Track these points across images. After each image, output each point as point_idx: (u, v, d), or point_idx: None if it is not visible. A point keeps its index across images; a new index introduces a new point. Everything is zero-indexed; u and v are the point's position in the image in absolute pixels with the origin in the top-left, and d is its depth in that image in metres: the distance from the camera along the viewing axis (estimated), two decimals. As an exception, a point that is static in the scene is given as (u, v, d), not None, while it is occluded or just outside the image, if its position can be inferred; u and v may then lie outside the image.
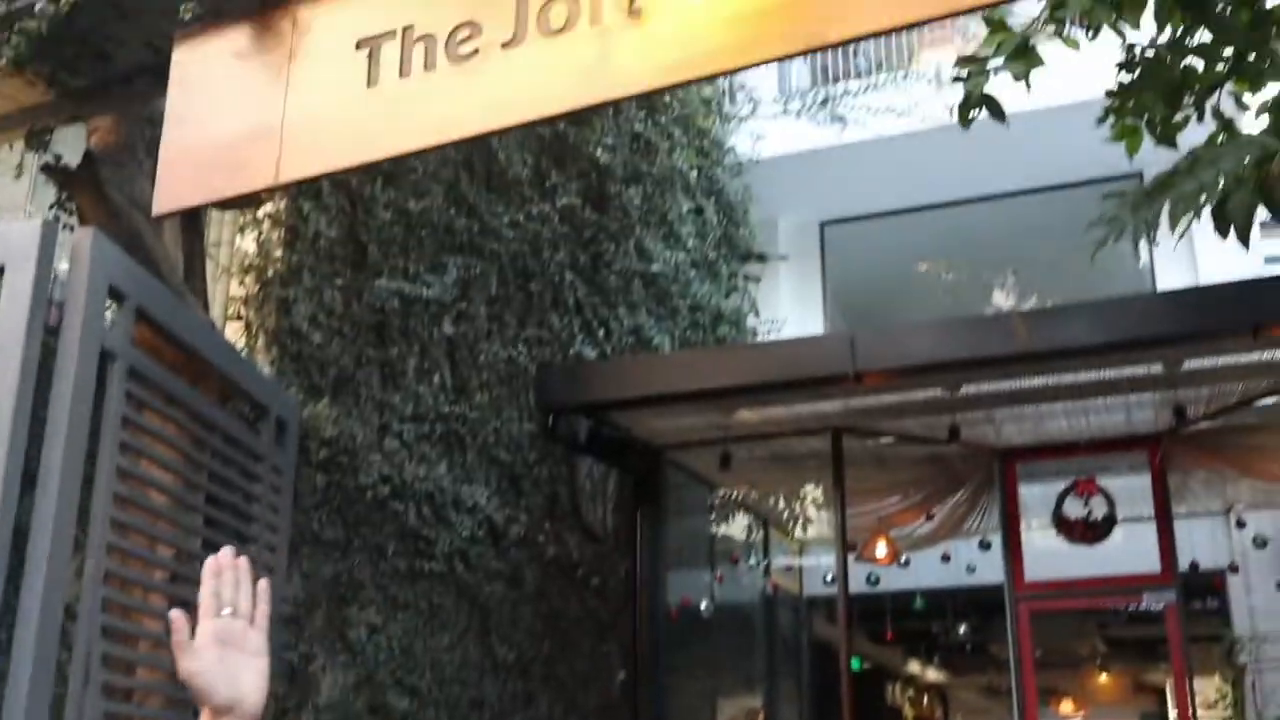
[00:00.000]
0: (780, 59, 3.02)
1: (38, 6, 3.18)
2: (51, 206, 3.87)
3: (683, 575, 8.71)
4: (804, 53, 2.80)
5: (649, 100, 8.73)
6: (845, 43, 2.90)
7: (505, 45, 2.98)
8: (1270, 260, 9.51)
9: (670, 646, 8.18)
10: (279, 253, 5.47)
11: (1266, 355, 6.67)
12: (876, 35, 2.72)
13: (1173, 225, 4.16)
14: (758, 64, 2.92)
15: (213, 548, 3.56)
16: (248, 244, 5.49)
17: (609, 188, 8.28)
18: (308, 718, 5.09)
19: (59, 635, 2.98)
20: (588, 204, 8.00)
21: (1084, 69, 4.67)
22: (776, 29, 2.71)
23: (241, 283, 5.42)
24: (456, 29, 3.05)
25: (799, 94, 10.92)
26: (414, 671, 5.80)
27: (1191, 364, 6.82)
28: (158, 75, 3.41)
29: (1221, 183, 3.84)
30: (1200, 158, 4.04)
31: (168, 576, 3.50)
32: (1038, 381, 7.22)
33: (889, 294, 12.94)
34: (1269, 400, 7.49)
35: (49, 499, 2.98)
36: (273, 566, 3.95)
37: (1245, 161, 3.79)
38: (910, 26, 2.88)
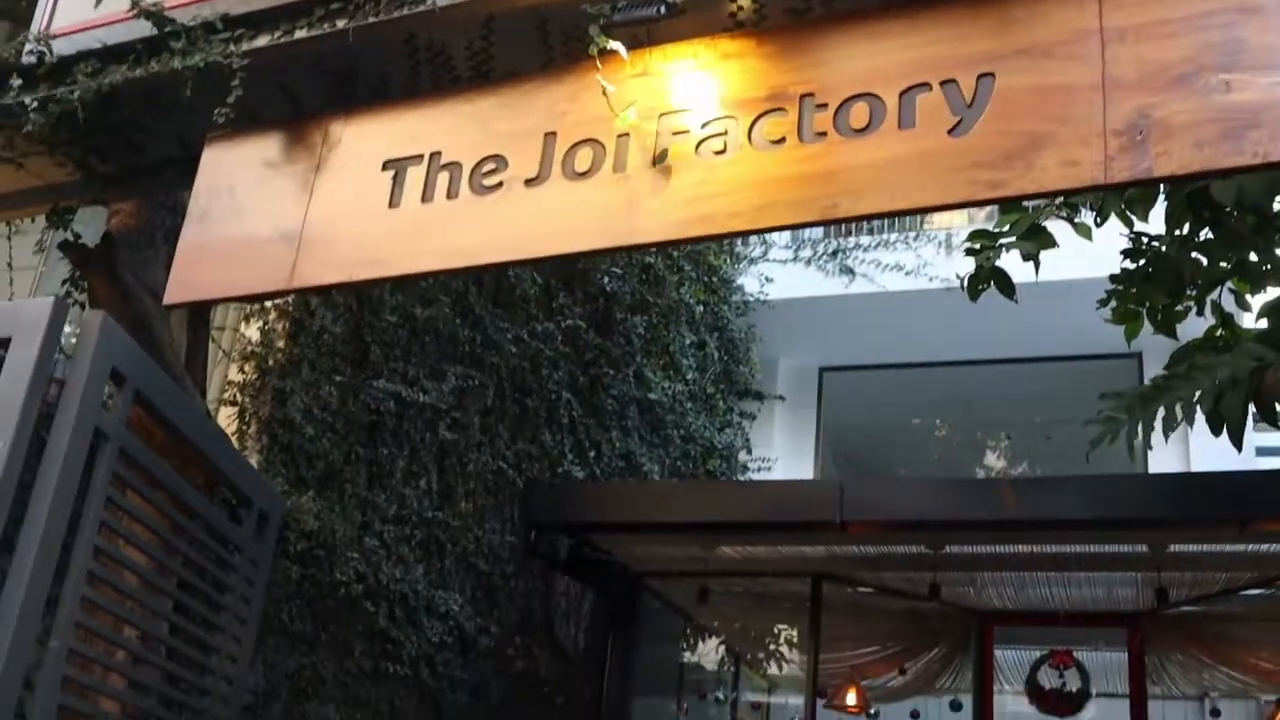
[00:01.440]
0: (794, 227, 3.11)
1: (76, 92, 3.29)
2: (64, 282, 3.95)
3: (649, 702, 8.62)
4: (816, 224, 2.88)
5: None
6: (855, 219, 2.99)
7: (529, 182, 3.07)
8: (1262, 451, 9.56)
9: (629, 776, 8.07)
10: (281, 344, 5.54)
11: (1252, 548, 6.69)
12: (884, 216, 2.81)
13: (1167, 432, 4.24)
14: (772, 229, 3.01)
15: (180, 633, 3.57)
16: (252, 331, 5.57)
17: (614, 314, 8.39)
18: (255, 814, 5.02)
19: (15, 707, 2.97)
20: (592, 328, 8.10)
21: (1090, 248, 4.77)
22: (793, 197, 2.80)
23: (241, 369, 5.49)
24: (483, 161, 3.14)
25: (811, 243, 11.12)
26: (367, 775, 5.74)
27: (1177, 548, 6.84)
28: (185, 168, 3.51)
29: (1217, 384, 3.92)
30: (1198, 364, 4.12)
31: (129, 660, 3.50)
32: (1022, 549, 7.23)
33: (882, 444, 13.01)
34: (1252, 591, 7.49)
35: (24, 570, 3.00)
36: (235, 657, 3.95)
37: (1241, 368, 3.88)
38: (919, 212, 2.98)
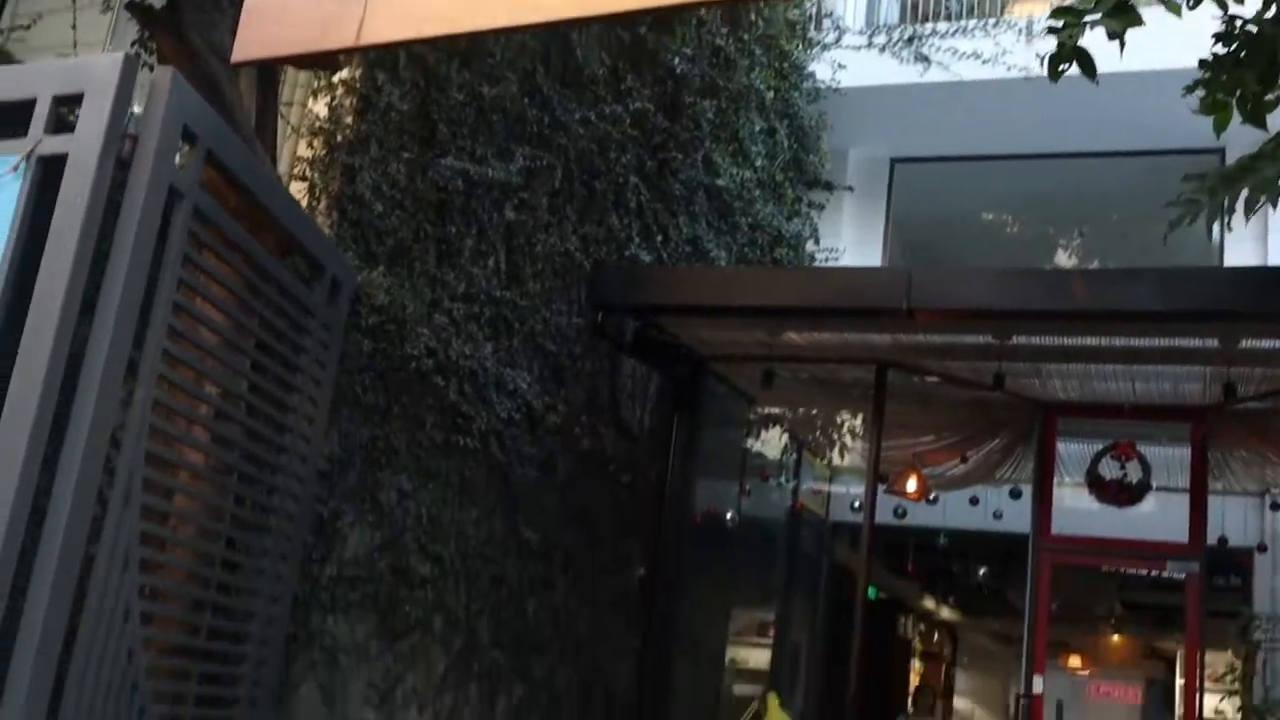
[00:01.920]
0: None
1: None
2: (132, 44, 3.93)
3: (712, 485, 8.83)
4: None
5: (733, 15, 8.64)
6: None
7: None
8: (1345, 246, 9.35)
9: (691, 551, 8.33)
10: (349, 120, 5.53)
11: (1326, 343, 6.61)
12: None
13: (1248, 212, 4.13)
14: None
15: (258, 392, 3.69)
16: (319, 108, 5.56)
17: (683, 98, 8.25)
18: (331, 569, 5.26)
19: (103, 460, 3.10)
20: (660, 111, 7.99)
21: (1178, 34, 4.57)
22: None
23: (310, 145, 5.50)
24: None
25: (886, 29, 10.77)
26: (439, 540, 5.96)
27: (1248, 343, 6.76)
28: (251, -76, 3.44)
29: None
30: (1285, 142, 3.98)
31: (212, 413, 3.62)
32: (1090, 341, 7.20)
33: (952, 238, 12.85)
34: (1322, 388, 7.42)
35: (105, 326, 3.08)
36: (312, 418, 4.07)
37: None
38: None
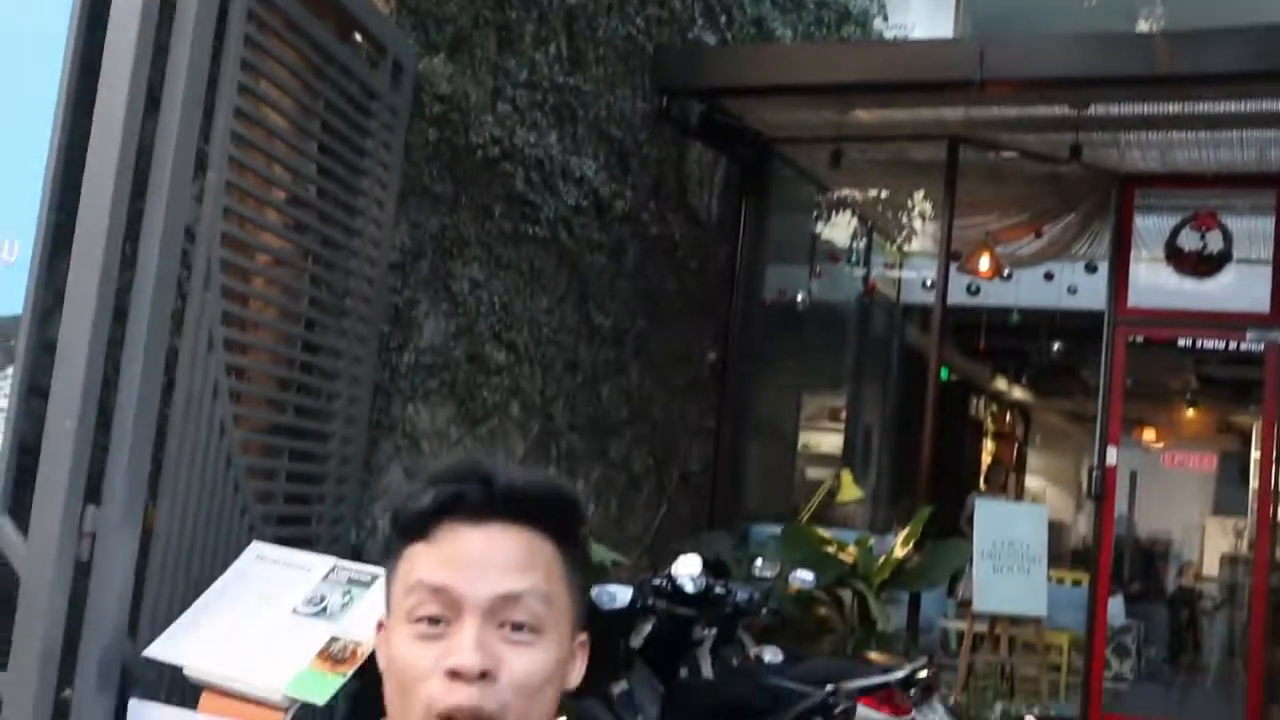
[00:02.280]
0: None
1: None
2: None
3: (781, 269, 8.80)
4: None
5: None
6: None
7: None
8: None
9: (762, 336, 8.37)
10: (405, -100, 5.37)
11: None
12: None
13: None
14: None
15: (328, 176, 3.69)
16: (374, -113, 5.39)
17: None
18: (409, 358, 5.37)
19: (180, 250, 3.13)
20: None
21: None
22: None
23: (366, -73, 5.35)
24: None
25: None
26: (512, 328, 6.04)
27: (1339, 102, 6.52)
28: None
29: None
30: None
31: (284, 197, 3.64)
32: (1172, 107, 6.97)
33: (1024, 10, 12.33)
34: None
35: (172, 114, 3.07)
36: (382, 202, 4.08)
37: None
38: None
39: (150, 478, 2.65)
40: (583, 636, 1.33)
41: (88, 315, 2.68)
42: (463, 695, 1.19)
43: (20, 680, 2.40)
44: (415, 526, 1.28)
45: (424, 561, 1.26)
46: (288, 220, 3.58)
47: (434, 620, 1.23)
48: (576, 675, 1.32)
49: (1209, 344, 9.33)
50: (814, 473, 10.58)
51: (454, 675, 1.20)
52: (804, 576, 6.50)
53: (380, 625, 1.33)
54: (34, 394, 2.61)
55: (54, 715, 2.44)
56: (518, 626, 1.23)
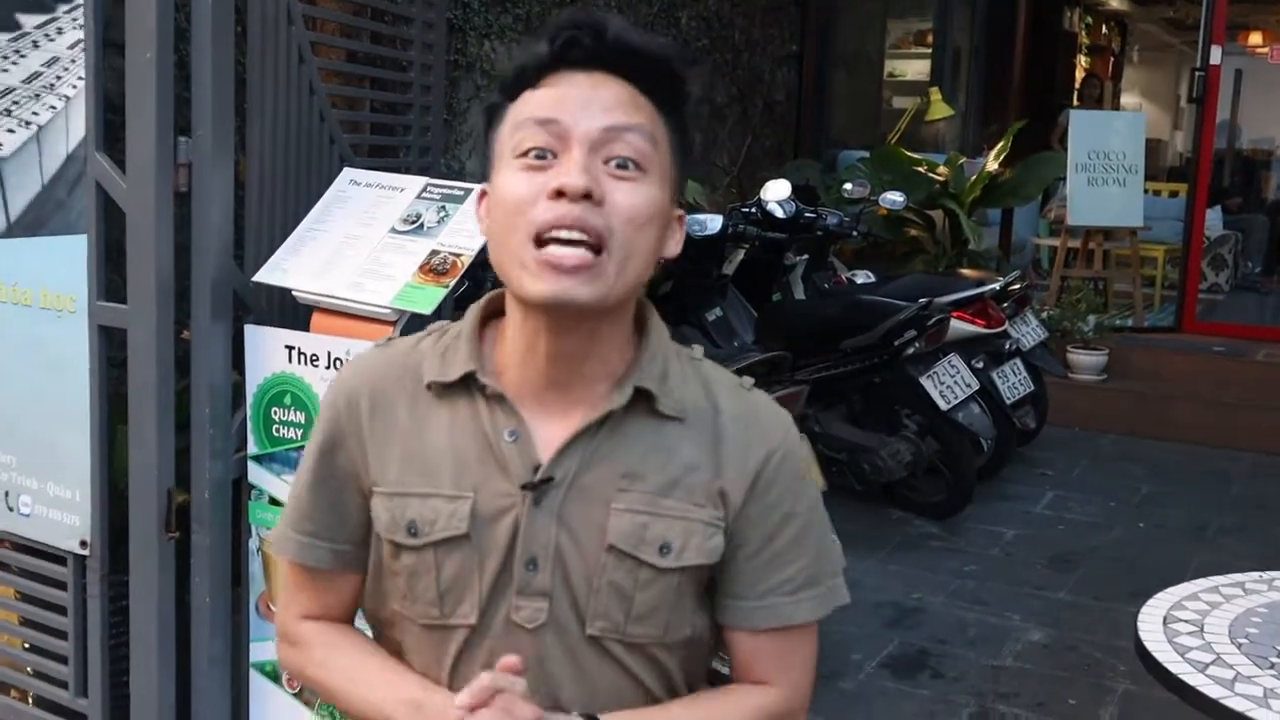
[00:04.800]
0: None
1: None
2: None
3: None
4: None
5: None
6: None
7: None
8: None
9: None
10: None
11: None
12: None
13: None
14: None
15: None
16: None
17: None
18: (481, -11, 5.20)
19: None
20: None
21: None
22: None
23: None
24: None
25: None
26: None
27: None
28: None
29: None
30: None
31: None
32: None
33: None
34: None
35: None
36: None
37: None
38: None
39: (236, 107, 2.62)
40: (680, 210, 1.32)
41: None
42: (565, 209, 1.19)
43: (139, 312, 2.48)
44: (528, 74, 1.27)
45: (533, 102, 1.25)
46: None
47: (540, 154, 1.23)
48: (676, 244, 1.32)
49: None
50: (901, 101, 10.31)
51: (558, 195, 1.20)
52: (894, 198, 6.45)
53: (482, 194, 1.33)
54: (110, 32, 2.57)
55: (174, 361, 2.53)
56: (623, 164, 1.22)
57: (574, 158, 1.21)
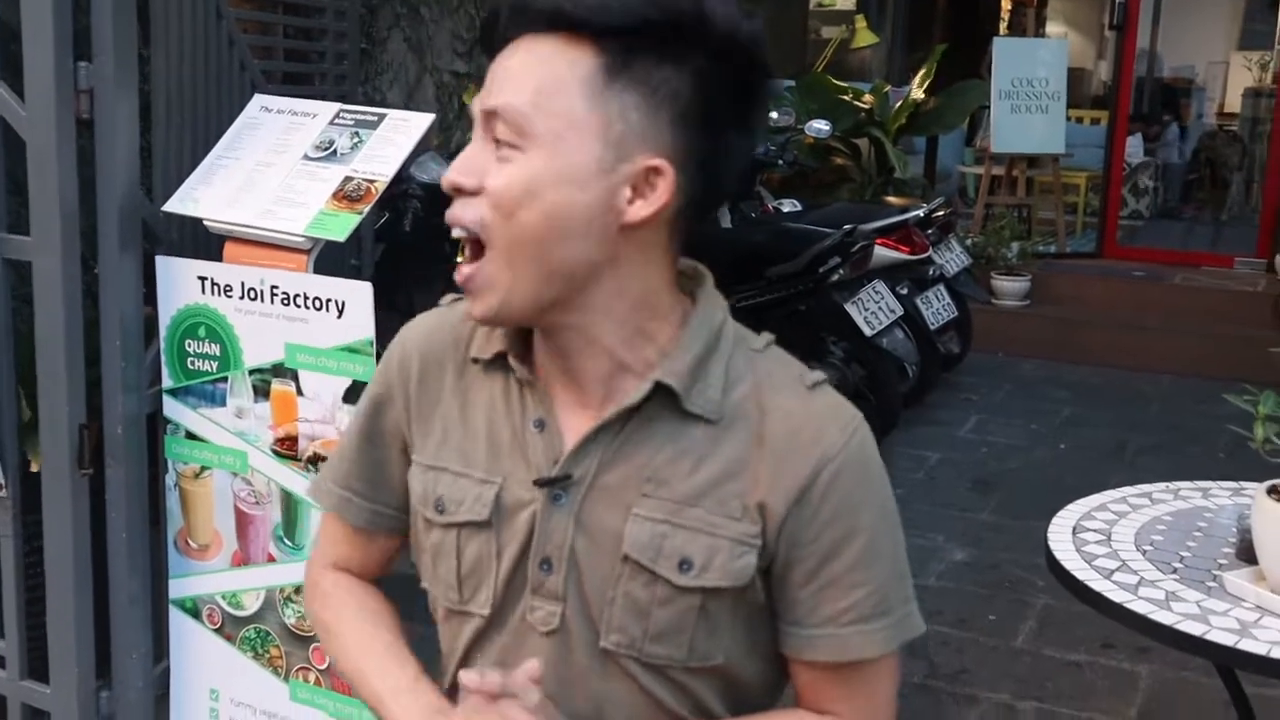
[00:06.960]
0: None
1: None
2: None
3: None
4: None
5: None
6: None
7: None
8: None
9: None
10: None
11: None
12: None
13: None
14: None
15: None
16: None
17: None
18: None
19: None
20: None
21: None
22: None
23: None
24: None
25: None
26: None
27: None
28: None
29: None
30: None
31: None
32: None
33: None
34: None
35: None
36: None
37: None
38: None
39: (141, 33, 2.55)
40: (659, 162, 1.10)
41: None
42: (453, 208, 1.15)
43: (44, 244, 2.42)
44: (486, 47, 1.17)
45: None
46: None
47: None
48: (641, 207, 1.12)
49: None
50: (829, 31, 10.28)
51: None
52: (820, 126, 6.46)
53: None
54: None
55: (84, 294, 2.48)
56: (499, 143, 1.11)
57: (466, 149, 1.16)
